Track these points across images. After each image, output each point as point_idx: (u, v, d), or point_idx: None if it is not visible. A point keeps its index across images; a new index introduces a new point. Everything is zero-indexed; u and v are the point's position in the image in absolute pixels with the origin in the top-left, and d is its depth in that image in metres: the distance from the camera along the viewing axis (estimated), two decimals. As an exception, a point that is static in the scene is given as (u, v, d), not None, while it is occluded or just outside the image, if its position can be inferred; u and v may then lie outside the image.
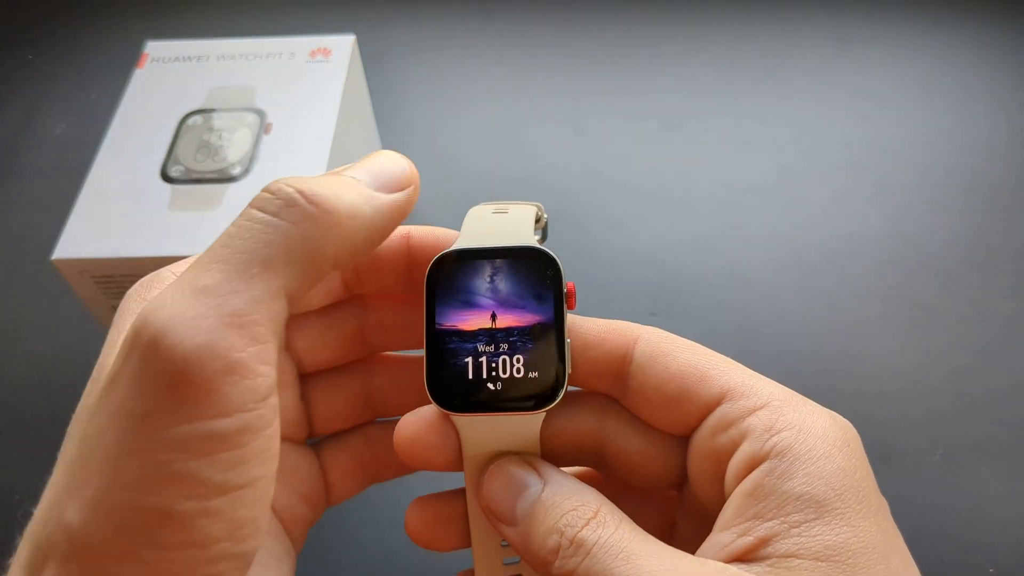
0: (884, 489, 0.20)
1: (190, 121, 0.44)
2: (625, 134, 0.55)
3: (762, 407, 0.21)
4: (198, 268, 0.19)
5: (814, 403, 0.21)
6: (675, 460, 0.23)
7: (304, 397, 0.25)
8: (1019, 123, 0.54)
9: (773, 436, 0.20)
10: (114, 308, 0.42)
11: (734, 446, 0.21)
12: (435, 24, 0.63)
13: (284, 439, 0.25)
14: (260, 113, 0.44)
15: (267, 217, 0.19)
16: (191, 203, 0.40)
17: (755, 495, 0.19)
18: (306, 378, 0.26)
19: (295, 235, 0.19)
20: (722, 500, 0.21)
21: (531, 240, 0.24)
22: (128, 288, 0.40)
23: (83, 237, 0.39)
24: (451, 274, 0.23)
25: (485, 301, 0.23)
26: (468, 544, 0.24)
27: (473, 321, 0.23)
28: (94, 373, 0.20)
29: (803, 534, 0.19)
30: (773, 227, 0.50)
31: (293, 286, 0.19)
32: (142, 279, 0.22)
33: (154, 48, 0.48)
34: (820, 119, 0.55)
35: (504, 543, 0.24)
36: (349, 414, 0.26)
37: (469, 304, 0.23)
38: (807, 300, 0.47)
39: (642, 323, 0.23)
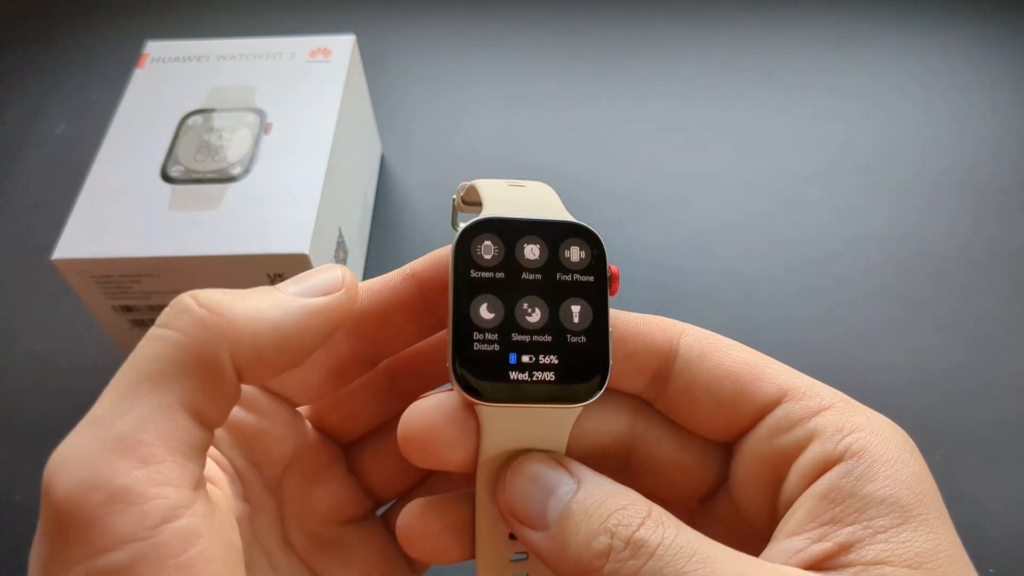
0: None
1: (190, 121, 0.44)
2: (625, 135, 0.55)
3: (827, 408, 0.20)
4: (98, 402, 0.18)
5: (871, 409, 0.20)
6: (711, 469, 0.22)
7: (355, 469, 0.24)
8: (1019, 123, 0.54)
9: (846, 436, 0.19)
10: (114, 308, 0.42)
11: (799, 448, 0.19)
12: (435, 24, 0.63)
13: (343, 521, 0.24)
14: (260, 113, 0.44)
15: (159, 331, 0.18)
16: (191, 203, 0.40)
17: (831, 498, 0.18)
18: (352, 448, 0.24)
19: (184, 344, 0.18)
20: (770, 508, 0.20)
21: (568, 215, 0.21)
22: (128, 288, 0.40)
23: (83, 237, 0.39)
24: (482, 246, 0.20)
25: (520, 279, 0.20)
26: (471, 556, 0.22)
27: (508, 298, 0.20)
28: None
29: (891, 540, 0.17)
30: (774, 227, 0.50)
31: (190, 399, 0.18)
32: None
33: (154, 48, 0.48)
34: (821, 119, 0.55)
35: (514, 556, 0.21)
36: (407, 471, 0.24)
37: (502, 281, 0.20)
38: (807, 300, 0.47)
39: None
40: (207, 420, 0.18)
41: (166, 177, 0.42)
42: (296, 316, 0.19)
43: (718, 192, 0.52)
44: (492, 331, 0.20)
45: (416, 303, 0.22)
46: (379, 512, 0.25)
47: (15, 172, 0.55)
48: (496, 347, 0.20)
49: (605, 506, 0.18)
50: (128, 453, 0.16)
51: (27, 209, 0.53)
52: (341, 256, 0.44)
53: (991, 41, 0.59)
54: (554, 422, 0.20)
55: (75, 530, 0.16)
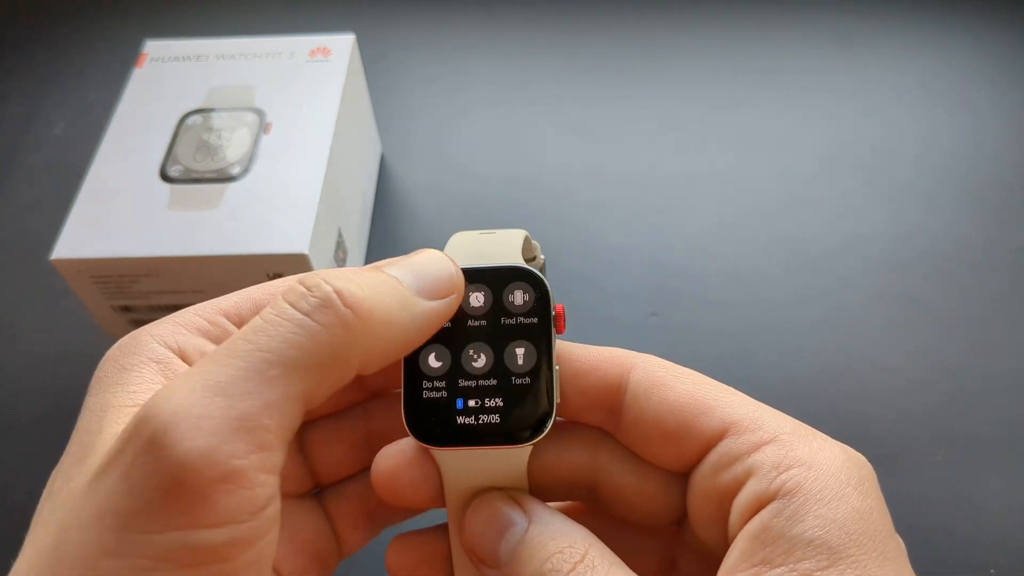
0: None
1: (189, 121, 0.44)
2: (625, 134, 0.55)
3: (769, 442, 0.19)
4: (215, 361, 0.17)
5: (825, 436, 0.20)
6: (674, 497, 0.22)
7: (303, 448, 0.24)
8: (1019, 123, 0.54)
9: (781, 474, 0.19)
10: (113, 308, 0.42)
11: (738, 485, 0.19)
12: (435, 24, 0.63)
13: (284, 495, 0.23)
14: (259, 113, 0.44)
15: (298, 315, 0.18)
16: (190, 203, 0.40)
17: (762, 538, 0.18)
18: (304, 427, 0.24)
19: (324, 340, 0.18)
20: (725, 542, 0.20)
21: (518, 260, 0.22)
22: (127, 288, 0.40)
23: (82, 237, 0.39)
24: None
25: (466, 326, 0.22)
26: None
27: (454, 347, 0.21)
28: (72, 448, 0.19)
29: None
30: (773, 227, 0.50)
31: (312, 392, 0.18)
32: (119, 342, 0.20)
33: (153, 47, 0.48)
34: (821, 119, 0.55)
35: None
36: (353, 460, 0.25)
37: (449, 330, 0.21)
38: (807, 300, 0.47)
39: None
40: (312, 406, 0.18)
41: (165, 177, 0.41)
42: (419, 323, 0.20)
43: (718, 192, 0.52)
44: (440, 379, 0.21)
45: None
46: (315, 492, 0.25)
47: (14, 172, 0.55)
48: (444, 394, 0.21)
49: (547, 548, 0.19)
50: (249, 435, 0.17)
51: (26, 209, 0.53)
52: (341, 256, 0.44)
53: (991, 41, 0.59)
54: (506, 461, 0.21)
55: (182, 498, 0.16)
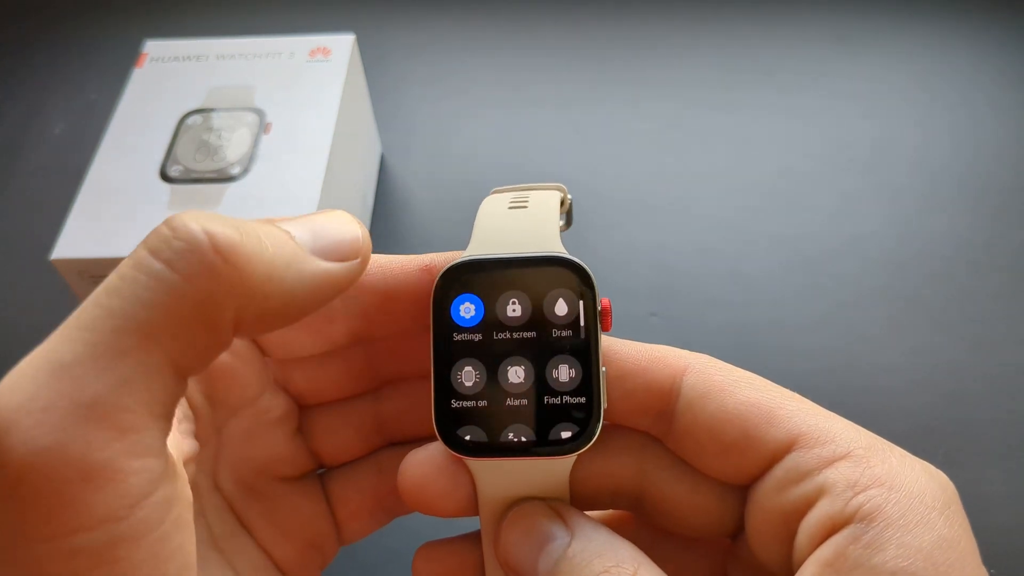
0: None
1: (189, 121, 0.44)
2: (625, 134, 0.55)
3: (842, 457, 0.18)
4: (63, 335, 0.15)
5: (903, 451, 0.18)
6: (729, 509, 0.20)
7: (305, 429, 0.23)
8: (1019, 123, 0.54)
9: (858, 494, 0.17)
10: (113, 308, 0.42)
11: (808, 503, 0.18)
12: (435, 24, 0.63)
13: (278, 478, 0.22)
14: (259, 113, 0.44)
15: (156, 266, 0.15)
16: (190, 203, 0.40)
17: (836, 567, 0.16)
18: (308, 410, 0.23)
19: (187, 294, 0.15)
20: (789, 563, 0.18)
21: (556, 244, 0.20)
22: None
23: (82, 237, 0.39)
24: (462, 291, 0.20)
25: (503, 322, 0.19)
26: None
27: (488, 346, 0.19)
28: None
29: None
30: (773, 227, 0.50)
31: (180, 355, 0.15)
32: None
33: (153, 47, 0.48)
34: (820, 119, 0.55)
35: None
36: (360, 443, 0.23)
37: (484, 326, 0.19)
38: (807, 300, 0.47)
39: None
40: (190, 373, 0.16)
41: (165, 177, 0.41)
42: (311, 283, 0.17)
43: (718, 192, 0.52)
44: (475, 383, 0.19)
45: (424, 297, 0.20)
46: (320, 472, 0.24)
47: (14, 172, 0.55)
48: (480, 400, 0.19)
49: (592, 566, 0.18)
50: (106, 421, 0.14)
51: (26, 209, 0.53)
52: (340, 256, 0.44)
53: (991, 41, 0.59)
54: (548, 471, 0.19)
55: (42, 504, 0.14)
